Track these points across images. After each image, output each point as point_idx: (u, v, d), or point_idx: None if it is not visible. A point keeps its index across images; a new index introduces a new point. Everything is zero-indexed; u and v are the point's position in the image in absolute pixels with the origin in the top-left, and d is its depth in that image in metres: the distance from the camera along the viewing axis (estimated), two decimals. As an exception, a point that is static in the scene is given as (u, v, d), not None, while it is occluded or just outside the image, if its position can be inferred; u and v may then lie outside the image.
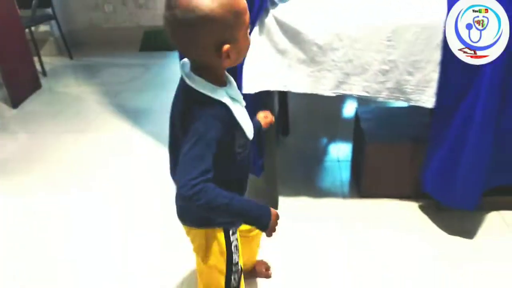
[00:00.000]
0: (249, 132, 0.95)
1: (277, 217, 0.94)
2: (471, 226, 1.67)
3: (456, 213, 1.70)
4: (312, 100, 1.75)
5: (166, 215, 1.37)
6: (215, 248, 1.03)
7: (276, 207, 1.78)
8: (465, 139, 1.46)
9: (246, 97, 1.01)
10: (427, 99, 1.47)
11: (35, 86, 3.21)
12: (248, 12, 0.85)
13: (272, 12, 1.43)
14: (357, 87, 1.49)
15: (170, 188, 0.92)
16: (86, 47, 4.12)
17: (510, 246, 1.58)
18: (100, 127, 2.65)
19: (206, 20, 0.78)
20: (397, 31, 1.39)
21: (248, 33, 0.88)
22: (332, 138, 2.41)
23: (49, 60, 3.80)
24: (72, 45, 3.92)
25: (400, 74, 1.45)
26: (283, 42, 1.46)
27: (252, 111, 1.03)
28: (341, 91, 1.51)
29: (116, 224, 1.79)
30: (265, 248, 1.47)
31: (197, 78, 0.87)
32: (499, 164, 1.52)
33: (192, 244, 1.08)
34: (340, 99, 2.78)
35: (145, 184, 2.04)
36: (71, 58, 3.86)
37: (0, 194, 2.03)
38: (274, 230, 0.93)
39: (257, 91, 1.47)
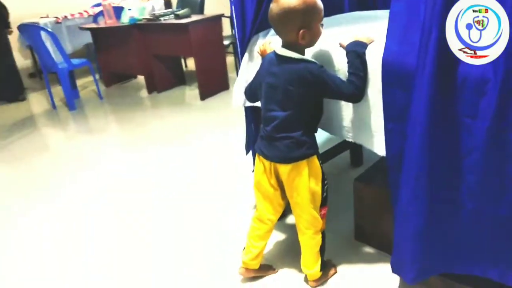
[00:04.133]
0: None
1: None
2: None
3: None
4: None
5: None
6: (314, 170, 1.43)
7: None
8: (399, 198, 1.30)
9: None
10: (379, 146, 1.39)
11: (223, 88, 4.22)
12: (322, 11, 1.31)
13: (258, 43, 1.68)
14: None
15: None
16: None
17: None
18: (227, 125, 3.30)
19: (290, 12, 1.27)
20: (339, 71, 1.40)
21: (320, 27, 1.33)
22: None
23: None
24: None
25: (353, 113, 1.43)
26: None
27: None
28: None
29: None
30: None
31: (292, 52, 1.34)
32: (454, 248, 1.26)
33: (294, 182, 1.42)
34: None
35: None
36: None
37: (144, 150, 3.03)
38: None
39: (243, 105, 1.76)
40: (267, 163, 1.47)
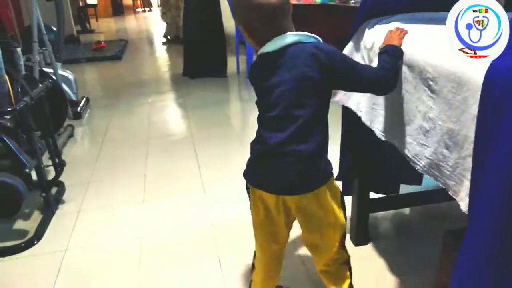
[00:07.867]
0: None
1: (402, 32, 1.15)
2: None
3: None
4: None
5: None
6: (335, 192, 1.12)
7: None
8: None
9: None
10: (463, 196, 0.94)
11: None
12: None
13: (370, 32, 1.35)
14: (399, 140, 1.16)
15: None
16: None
17: None
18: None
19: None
20: (438, 79, 0.98)
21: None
22: None
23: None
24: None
25: (438, 142, 1.02)
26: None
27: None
28: (388, 139, 1.22)
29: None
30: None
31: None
32: None
33: (318, 210, 1.09)
34: None
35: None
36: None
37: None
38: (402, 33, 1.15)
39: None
40: None
